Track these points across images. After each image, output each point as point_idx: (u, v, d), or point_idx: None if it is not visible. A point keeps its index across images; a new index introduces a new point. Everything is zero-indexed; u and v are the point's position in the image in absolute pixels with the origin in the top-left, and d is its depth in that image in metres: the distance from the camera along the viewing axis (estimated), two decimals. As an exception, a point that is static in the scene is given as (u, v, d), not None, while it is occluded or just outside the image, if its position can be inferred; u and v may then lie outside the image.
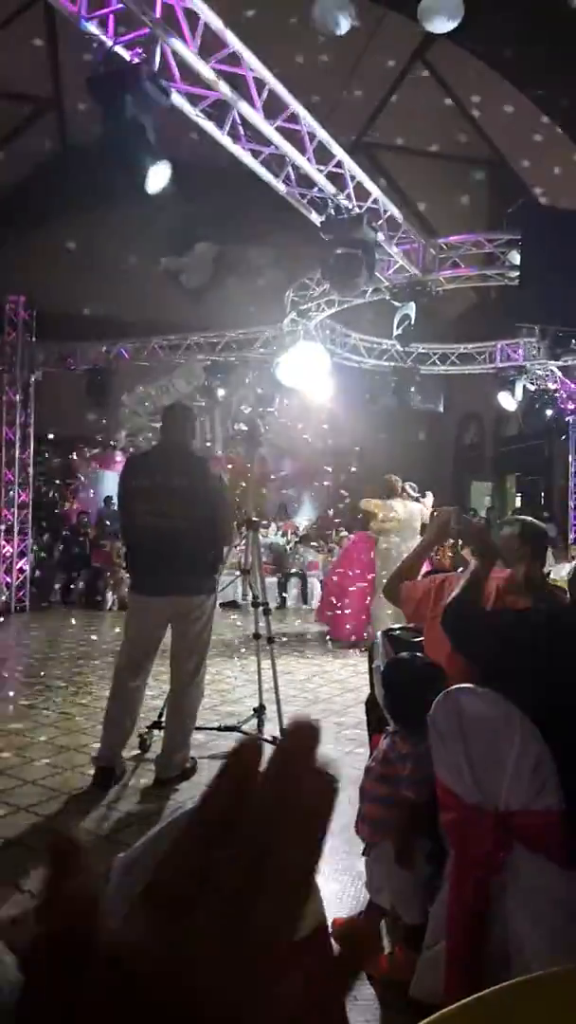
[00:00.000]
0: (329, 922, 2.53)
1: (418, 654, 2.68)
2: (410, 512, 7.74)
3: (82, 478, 13.42)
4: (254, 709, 4.70)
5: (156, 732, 4.16)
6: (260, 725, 4.61)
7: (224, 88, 4.06)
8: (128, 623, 3.97)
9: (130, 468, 3.99)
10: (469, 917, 1.96)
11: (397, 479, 8.01)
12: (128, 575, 4.16)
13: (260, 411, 4.86)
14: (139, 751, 4.17)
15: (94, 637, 8.21)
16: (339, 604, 8.57)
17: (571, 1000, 0.83)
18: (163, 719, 4.05)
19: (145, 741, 4.19)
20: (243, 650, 7.01)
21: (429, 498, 7.97)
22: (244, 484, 10.46)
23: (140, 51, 3.65)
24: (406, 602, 3.02)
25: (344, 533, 12.00)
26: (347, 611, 8.40)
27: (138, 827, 3.26)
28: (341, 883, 2.84)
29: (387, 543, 7.73)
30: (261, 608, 4.53)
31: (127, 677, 3.79)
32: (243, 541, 4.90)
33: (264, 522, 13.27)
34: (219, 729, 4.56)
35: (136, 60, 3.61)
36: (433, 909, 2.15)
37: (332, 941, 1.05)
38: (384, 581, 7.68)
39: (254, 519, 4.74)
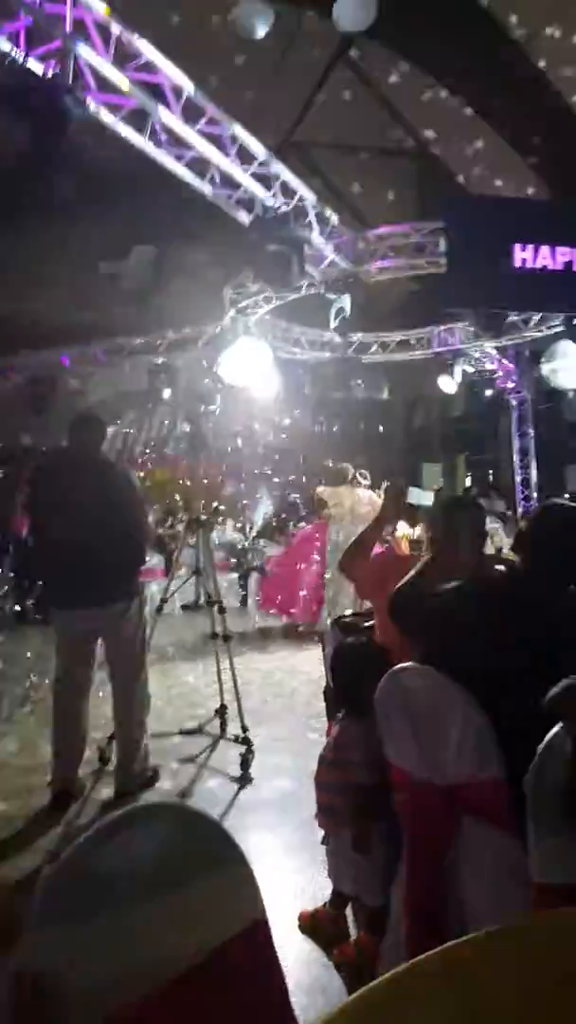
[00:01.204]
0: (296, 915, 2.61)
1: (363, 638, 2.73)
2: (359, 500, 7.84)
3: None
4: (216, 710, 4.69)
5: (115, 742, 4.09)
6: (223, 725, 4.60)
7: (142, 96, 4.07)
8: (57, 639, 3.83)
9: (36, 482, 3.88)
10: (426, 892, 2.01)
11: (347, 467, 8.11)
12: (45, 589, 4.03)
13: (203, 410, 4.83)
14: (99, 764, 4.10)
15: (47, 654, 8.08)
16: (283, 594, 8.64)
17: (493, 960, 0.89)
18: None
19: (104, 753, 4.12)
20: (203, 651, 7.02)
21: (386, 485, 8.05)
22: (191, 483, 10.47)
23: (54, 63, 3.63)
24: (359, 578, 3.07)
25: (303, 525, 12.07)
26: (301, 593, 8.46)
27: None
28: (306, 875, 2.87)
29: (336, 531, 7.85)
30: (216, 607, 4.50)
31: (65, 697, 3.71)
32: (194, 541, 4.86)
33: (219, 520, 13.30)
34: (180, 733, 4.55)
35: (51, 72, 3.60)
36: (394, 890, 2.17)
37: (271, 936, 1.08)
38: (334, 568, 7.83)
39: (203, 518, 4.72)
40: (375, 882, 2.36)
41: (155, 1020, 0.91)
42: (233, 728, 4.39)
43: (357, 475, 8.08)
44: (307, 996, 2.23)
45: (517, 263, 5.67)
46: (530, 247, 5.68)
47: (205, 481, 13.65)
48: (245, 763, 4.00)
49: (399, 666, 2.08)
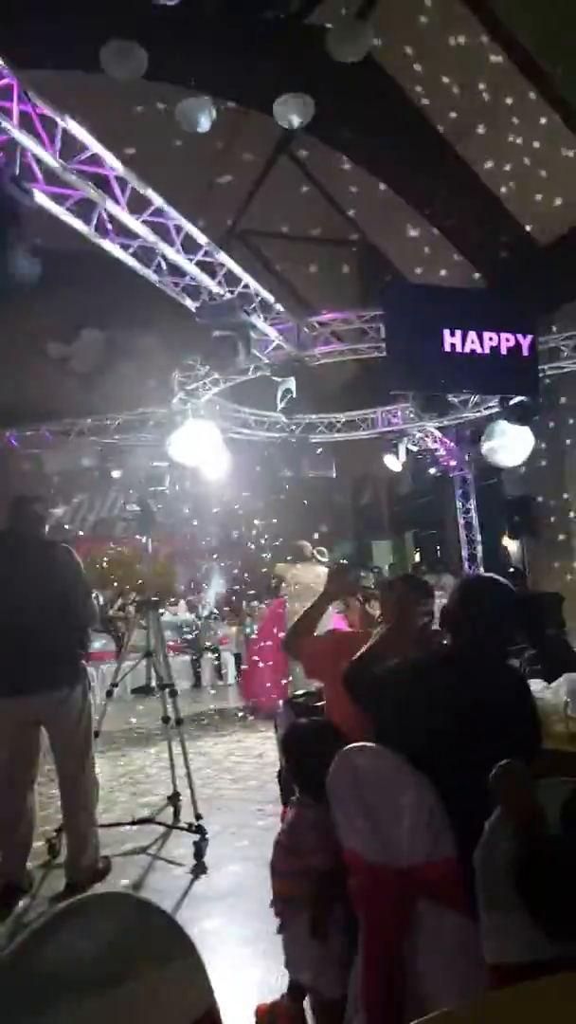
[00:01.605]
0: (252, 1009, 2.50)
1: (315, 718, 2.71)
2: (316, 576, 7.91)
3: None
4: (168, 797, 4.56)
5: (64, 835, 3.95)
6: (176, 813, 4.47)
7: (88, 188, 4.22)
8: None
9: None
10: (382, 979, 1.95)
11: (305, 544, 8.22)
12: None
13: (152, 490, 4.83)
14: (49, 856, 3.95)
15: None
16: (261, 678, 8.59)
17: None
18: None
19: (54, 846, 3.97)
20: (155, 735, 6.84)
21: (332, 564, 8.18)
22: (139, 566, 10.40)
23: (1, 155, 3.77)
24: (307, 658, 3.06)
25: (256, 604, 12.02)
26: (268, 684, 8.41)
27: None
28: (262, 967, 2.78)
29: (294, 607, 7.86)
30: (167, 690, 4.41)
31: (6, 790, 3.55)
32: (145, 622, 4.81)
33: (172, 600, 13.14)
34: (132, 823, 4.39)
35: (-2, 164, 3.73)
36: (352, 979, 2.12)
37: None
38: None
39: (154, 599, 4.67)
40: (333, 971, 2.26)
41: None
42: (186, 816, 4.28)
43: (315, 552, 8.19)
44: None
45: (447, 347, 5.96)
46: (459, 332, 5.99)
47: (169, 565, 13.64)
48: (199, 852, 3.89)
49: (350, 746, 2.07)
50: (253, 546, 13.93)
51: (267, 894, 2.55)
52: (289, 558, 8.67)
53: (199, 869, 3.79)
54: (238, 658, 11.83)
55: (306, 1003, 2.48)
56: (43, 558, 3.65)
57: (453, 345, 5.96)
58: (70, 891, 3.53)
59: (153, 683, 9.38)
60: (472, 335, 6.02)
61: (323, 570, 7.99)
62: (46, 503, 4.08)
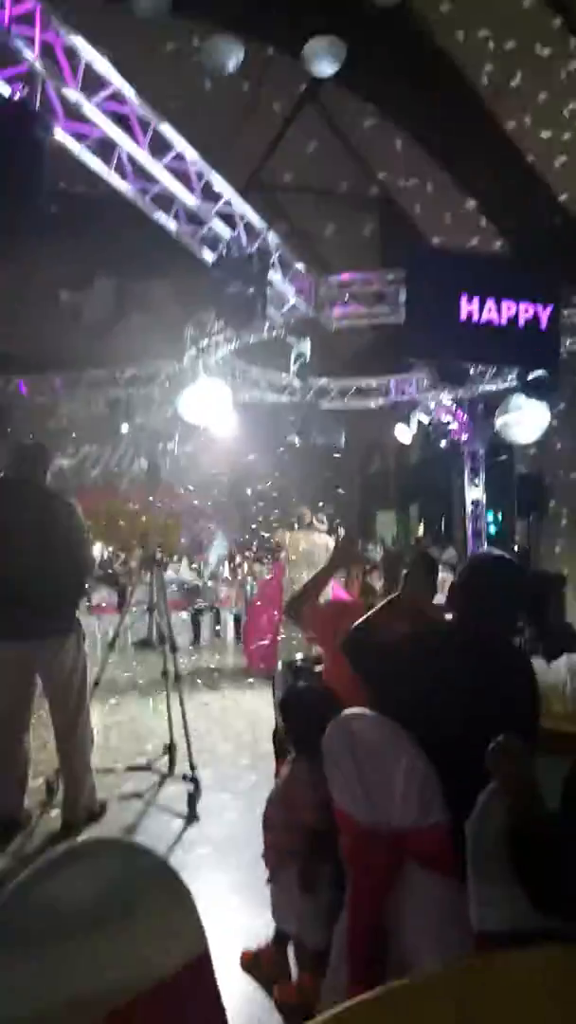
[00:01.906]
0: (237, 954, 2.55)
1: (313, 682, 2.75)
2: (314, 544, 7.93)
3: None
4: (164, 747, 4.62)
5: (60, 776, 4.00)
6: (171, 763, 4.53)
7: (109, 127, 4.10)
8: None
9: None
10: (367, 936, 1.99)
11: (306, 511, 8.20)
12: None
13: (161, 447, 4.83)
14: (47, 795, 4.01)
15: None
16: (258, 637, 8.65)
17: (434, 1002, 0.87)
18: None
19: (52, 785, 4.02)
20: (154, 688, 6.90)
21: (341, 532, 8.19)
22: (145, 520, 10.41)
23: (22, 86, 3.65)
24: (308, 624, 3.08)
25: (258, 566, 12.07)
26: (263, 642, 8.46)
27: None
28: (249, 914, 2.82)
29: (291, 574, 7.88)
30: (169, 645, 4.45)
31: (2, 731, 3.60)
32: (149, 578, 4.83)
33: (175, 558, 13.18)
34: (128, 769, 4.47)
35: (18, 96, 3.61)
36: (336, 932, 2.16)
37: (214, 972, 1.07)
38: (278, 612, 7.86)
39: (158, 556, 4.66)
40: (319, 923, 2.34)
41: None
42: (181, 766, 4.33)
43: (314, 520, 8.17)
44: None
45: (463, 315, 5.84)
46: (476, 300, 5.86)
47: (174, 522, 13.65)
48: (192, 801, 3.95)
49: (348, 711, 2.09)
50: (255, 509, 13.93)
51: (256, 845, 2.63)
52: (295, 525, 8.62)
53: (191, 817, 3.86)
54: (237, 618, 11.91)
55: (289, 951, 2.55)
56: (43, 507, 3.65)
57: (470, 313, 5.84)
58: (66, 830, 3.62)
59: (154, 637, 9.49)
60: (490, 303, 5.90)
61: (323, 538, 8.01)
62: (49, 452, 4.04)
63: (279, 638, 8.05)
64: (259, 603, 9.06)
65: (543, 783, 1.57)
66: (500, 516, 11.52)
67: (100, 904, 0.98)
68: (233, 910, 2.89)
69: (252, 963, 2.55)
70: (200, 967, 1.05)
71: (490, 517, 11.21)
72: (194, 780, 4.04)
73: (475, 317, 5.87)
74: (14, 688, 3.61)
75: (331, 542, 7.93)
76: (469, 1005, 0.87)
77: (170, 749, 4.58)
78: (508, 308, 5.98)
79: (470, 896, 1.57)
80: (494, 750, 1.59)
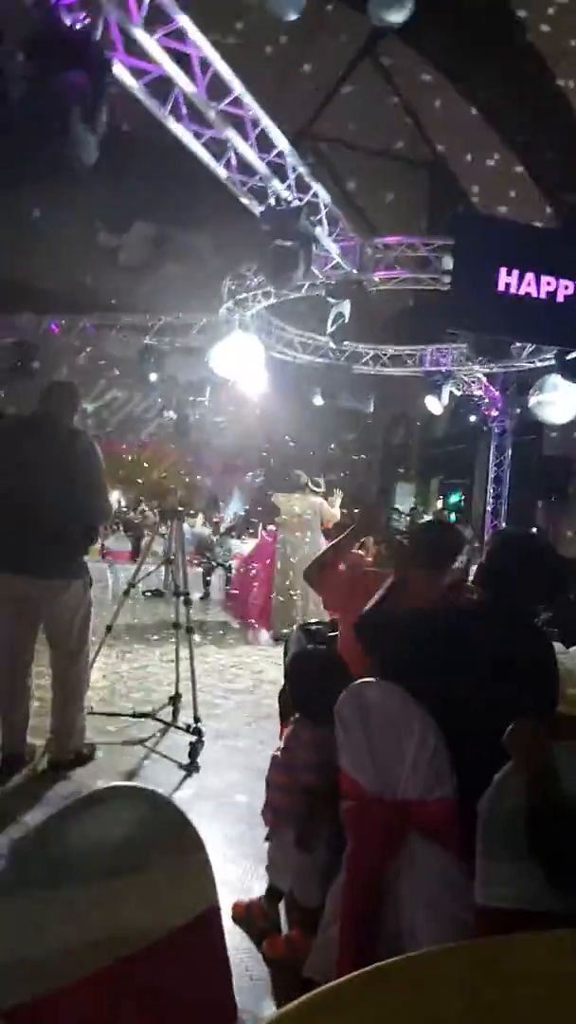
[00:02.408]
0: (228, 905, 2.60)
1: (323, 647, 2.75)
2: (309, 507, 7.91)
3: None
4: (170, 697, 4.65)
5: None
6: (175, 713, 4.56)
7: (168, 64, 3.99)
8: None
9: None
10: (363, 901, 2.01)
11: (300, 474, 8.18)
12: None
13: (190, 400, 4.78)
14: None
15: None
16: (241, 593, 8.75)
17: (437, 979, 0.87)
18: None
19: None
20: (163, 638, 6.97)
21: (337, 496, 8.14)
22: (165, 474, 10.44)
23: (83, 16, 3.54)
24: (326, 590, 3.07)
25: (270, 527, 12.10)
26: (252, 600, 8.57)
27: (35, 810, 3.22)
28: (243, 867, 2.87)
29: (283, 536, 8.00)
30: (182, 598, 4.46)
31: (5, 665, 3.59)
32: (167, 530, 4.84)
33: (191, 511, 13.23)
34: (132, 716, 4.51)
35: (79, 25, 3.51)
36: (330, 892, 2.18)
37: (222, 924, 1.08)
38: (280, 574, 7.92)
39: (179, 509, 4.65)
40: (313, 881, 2.38)
41: (107, 993, 0.92)
42: (185, 717, 4.36)
43: (310, 483, 8.15)
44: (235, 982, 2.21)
45: (500, 287, 5.67)
46: (515, 273, 5.68)
47: (193, 477, 13.67)
48: (194, 752, 3.98)
49: (363, 680, 2.08)
50: (274, 470, 13.91)
51: (254, 800, 2.68)
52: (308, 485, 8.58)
53: (192, 768, 3.89)
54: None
55: (280, 909, 2.58)
56: (67, 447, 3.59)
57: (508, 285, 5.68)
58: (52, 771, 3.62)
59: (166, 589, 9.56)
60: (529, 277, 5.72)
61: (316, 501, 7.98)
62: (78, 391, 3.98)
63: (271, 597, 8.13)
64: (253, 561, 9.14)
65: (559, 768, 1.56)
66: (521, 496, 11.42)
67: (118, 850, 0.99)
68: (228, 862, 2.92)
69: (243, 915, 2.58)
70: (210, 918, 1.07)
71: (510, 496, 11.11)
72: (197, 732, 4.08)
73: (513, 289, 5.71)
74: (18, 621, 3.59)
75: (326, 505, 7.92)
76: (478, 986, 0.86)
77: (175, 699, 4.61)
78: (548, 283, 5.81)
79: (477, 871, 1.58)
80: (512, 730, 1.59)
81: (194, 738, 4.04)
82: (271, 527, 11.53)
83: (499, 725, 1.64)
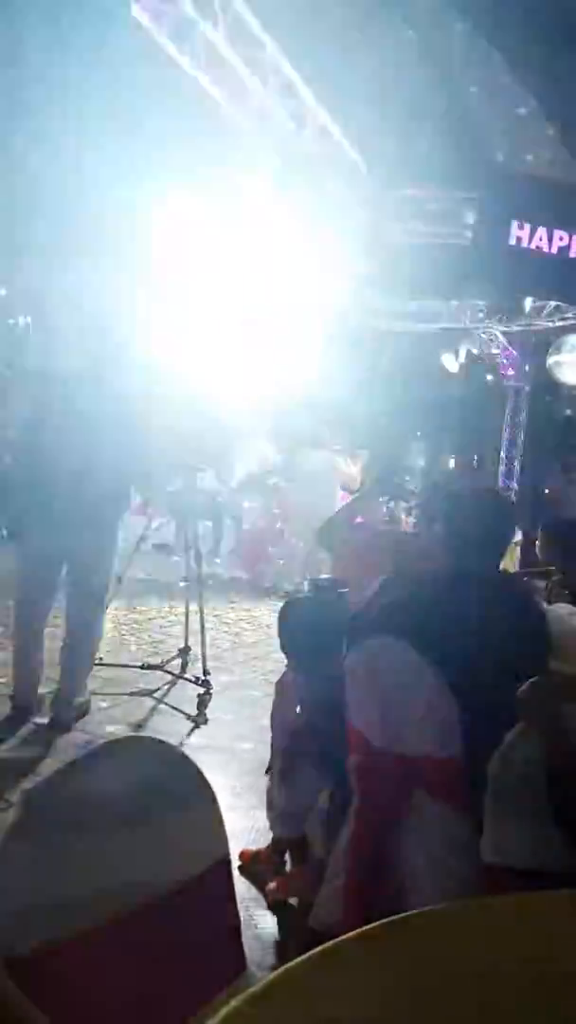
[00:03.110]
0: (235, 855, 2.68)
1: (308, 595, 2.80)
2: (321, 464, 7.76)
3: None
4: (179, 649, 4.70)
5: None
6: (184, 665, 4.61)
7: (188, 6, 3.86)
8: (21, 551, 3.71)
9: (46, 385, 3.74)
10: (368, 854, 2.05)
11: (323, 428, 8.08)
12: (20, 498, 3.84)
13: None
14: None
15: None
16: (252, 548, 8.74)
17: (449, 934, 0.89)
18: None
19: None
20: (172, 592, 7.02)
21: (362, 454, 7.96)
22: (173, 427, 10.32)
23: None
24: (338, 551, 3.07)
25: (276, 481, 12.05)
26: (258, 559, 8.59)
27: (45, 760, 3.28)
28: (251, 818, 2.93)
29: (292, 497, 8.01)
30: (193, 552, 4.46)
31: (27, 617, 3.64)
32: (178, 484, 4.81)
33: (202, 467, 13.16)
34: (142, 667, 4.55)
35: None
36: (335, 845, 2.22)
37: (232, 877, 1.10)
38: (286, 528, 7.85)
39: (192, 464, 4.65)
40: (291, 815, 2.50)
41: (117, 943, 0.93)
42: (194, 670, 4.40)
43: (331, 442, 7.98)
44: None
45: (512, 240, 5.54)
46: (528, 226, 5.54)
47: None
48: (202, 704, 4.04)
49: (375, 639, 2.08)
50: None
51: (261, 751, 2.77)
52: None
53: (200, 719, 3.95)
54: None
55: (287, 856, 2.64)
56: (115, 399, 3.60)
57: (519, 239, 5.55)
58: (54, 726, 3.62)
59: (174, 542, 9.58)
60: (541, 231, 5.59)
61: (329, 459, 7.80)
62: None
63: (271, 555, 8.10)
64: (262, 519, 9.15)
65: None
66: (535, 457, 11.35)
67: (131, 801, 1.00)
68: (234, 812, 2.93)
69: (250, 861, 2.65)
70: (221, 870, 1.09)
71: (524, 457, 11.03)
72: (205, 684, 4.12)
73: (524, 243, 5.57)
74: (46, 575, 3.63)
75: (340, 463, 7.75)
76: (495, 943, 0.87)
77: (184, 652, 4.65)
78: (560, 238, 5.67)
79: (484, 830, 1.61)
80: (525, 690, 1.60)
81: (202, 690, 4.09)
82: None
83: (497, 686, 1.68)
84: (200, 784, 1.11)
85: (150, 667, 4.54)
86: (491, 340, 10.04)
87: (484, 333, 9.81)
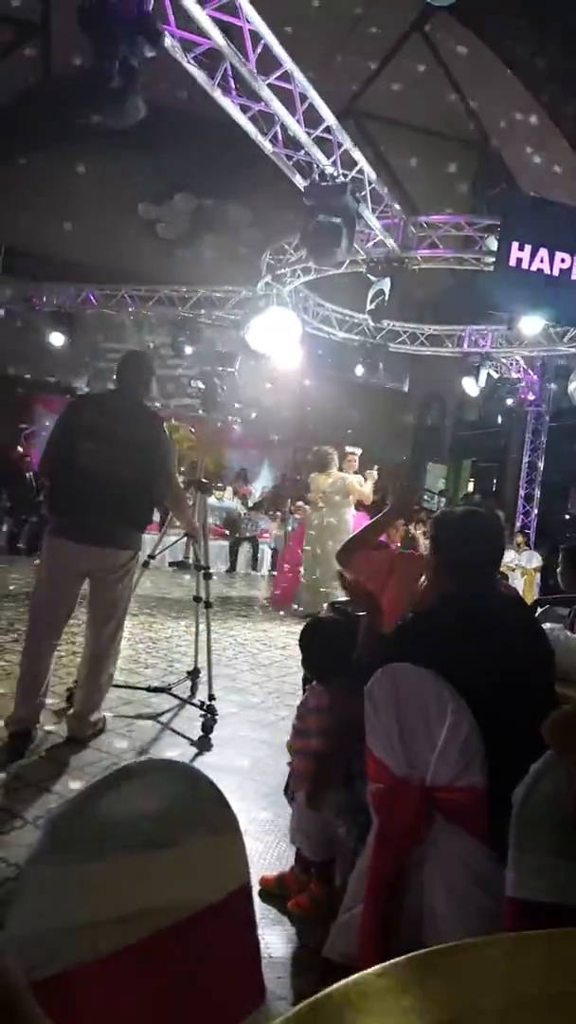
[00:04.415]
0: (255, 880, 2.65)
1: (332, 615, 2.78)
2: (331, 484, 7.73)
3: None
4: (188, 672, 4.63)
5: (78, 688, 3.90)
6: (193, 688, 4.52)
7: (219, 37, 3.94)
8: (43, 572, 3.62)
9: (79, 406, 3.75)
10: (386, 884, 2.01)
11: (330, 451, 7.88)
12: (50, 516, 3.75)
13: (220, 370, 4.65)
14: (66, 705, 4.00)
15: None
16: (283, 578, 8.75)
17: (476, 970, 0.87)
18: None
19: (73, 695, 3.97)
20: (185, 610, 7.01)
21: (373, 473, 7.84)
22: (190, 445, 10.42)
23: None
24: (359, 572, 3.05)
25: (299, 503, 12.08)
26: (285, 585, 8.58)
27: (60, 780, 3.27)
28: (265, 843, 2.90)
29: (313, 515, 7.89)
30: (203, 572, 4.36)
31: (44, 636, 3.58)
32: (191, 502, 4.72)
33: (219, 484, 13.26)
34: (147, 690, 4.47)
35: (131, -4, 3.47)
36: (353, 874, 2.20)
37: (253, 903, 1.08)
38: (309, 551, 7.85)
39: (204, 481, 4.55)
40: (320, 839, 2.48)
41: (136, 969, 0.92)
42: (201, 694, 4.32)
43: (348, 458, 7.90)
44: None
45: (512, 262, 5.56)
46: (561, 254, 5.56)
47: (222, 450, 13.65)
48: (206, 729, 3.95)
49: (397, 663, 2.07)
50: (306, 446, 13.84)
51: (277, 775, 2.72)
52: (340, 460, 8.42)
53: (204, 744, 3.85)
54: (274, 552, 12.05)
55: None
56: (147, 424, 3.65)
57: (519, 260, 5.58)
58: (72, 743, 3.59)
59: (190, 561, 9.59)
60: (543, 252, 5.62)
61: (351, 478, 7.74)
62: (152, 362, 4.00)
63: (300, 579, 8.11)
64: (291, 543, 9.16)
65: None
66: (554, 481, 11.29)
67: (154, 825, 0.99)
68: (252, 837, 2.92)
69: (275, 884, 2.61)
70: (242, 897, 1.08)
71: (544, 482, 10.97)
72: (211, 708, 4.02)
73: (524, 264, 5.60)
74: (69, 589, 3.60)
75: (354, 483, 7.65)
76: (521, 980, 0.85)
77: (194, 674, 4.57)
78: (562, 260, 5.70)
79: (509, 862, 1.58)
80: (552, 720, 1.57)
81: (207, 716, 3.99)
82: (300, 503, 11.55)
83: (507, 706, 1.68)
84: (224, 808, 1.09)
85: (156, 690, 4.46)
86: (511, 364, 10.04)
87: (504, 357, 9.82)
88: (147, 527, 3.85)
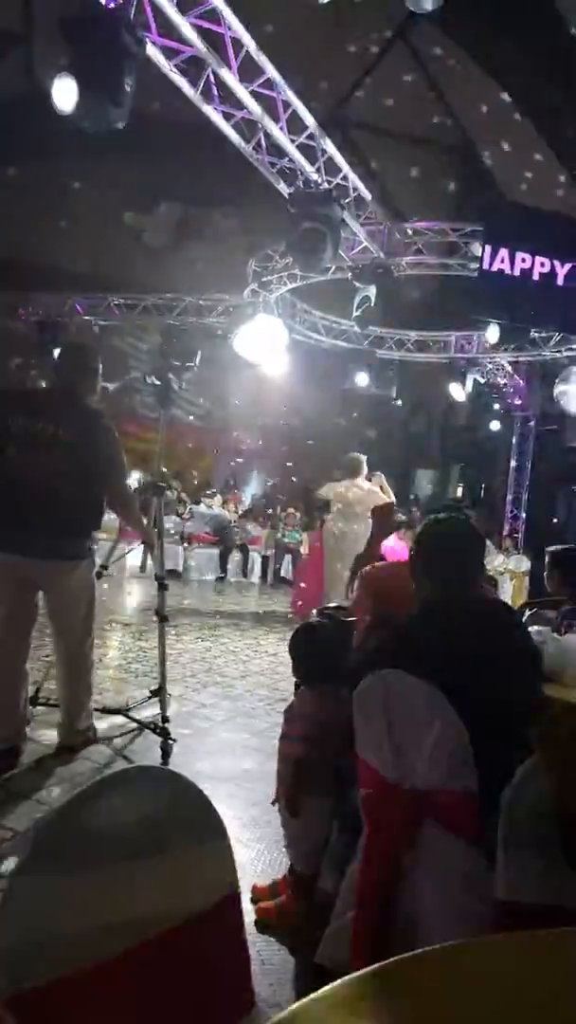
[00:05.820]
0: (248, 888, 2.63)
1: (322, 620, 2.80)
2: (358, 496, 7.42)
3: None
4: (151, 691, 4.18)
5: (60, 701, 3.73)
6: (163, 705, 3.92)
7: (201, 45, 3.96)
8: None
9: (4, 404, 3.39)
10: (378, 889, 2.01)
11: (360, 457, 7.35)
12: None
13: (177, 365, 4.11)
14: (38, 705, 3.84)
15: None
16: (301, 596, 8.60)
17: (467, 972, 0.87)
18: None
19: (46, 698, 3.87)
20: (178, 624, 6.97)
21: (381, 477, 7.52)
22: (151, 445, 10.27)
23: (118, -6, 3.52)
24: (363, 584, 3.07)
25: (292, 511, 12.10)
26: (301, 603, 8.48)
27: (47, 789, 3.25)
28: (256, 851, 2.89)
29: (336, 527, 7.37)
30: (159, 583, 3.93)
31: (2, 650, 3.39)
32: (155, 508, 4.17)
33: (211, 491, 13.24)
34: (101, 711, 3.99)
35: (112, 5, 3.49)
36: (345, 880, 2.20)
37: (241, 910, 1.07)
38: (329, 564, 7.72)
39: (159, 484, 4.15)
40: (305, 848, 2.47)
41: (124, 978, 0.91)
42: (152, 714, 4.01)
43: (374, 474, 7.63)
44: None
45: (537, 277, 5.63)
46: (564, 265, 5.64)
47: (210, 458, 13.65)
48: (164, 754, 3.73)
49: (387, 670, 2.07)
50: (295, 452, 13.85)
51: (267, 783, 2.69)
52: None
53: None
54: (265, 560, 12.05)
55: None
56: (85, 424, 3.37)
57: (544, 275, 5.63)
58: (63, 753, 3.51)
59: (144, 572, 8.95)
60: (524, 257, 5.67)
61: (364, 487, 7.47)
62: (95, 356, 3.64)
63: (320, 593, 7.95)
64: (307, 561, 8.99)
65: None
66: (542, 486, 11.35)
67: (141, 832, 0.99)
68: (242, 844, 2.91)
69: (268, 893, 2.59)
70: (230, 905, 1.07)
71: (531, 486, 11.03)
72: (164, 732, 3.77)
73: (559, 282, 5.66)
74: (18, 606, 3.41)
75: (380, 493, 7.38)
76: (517, 980, 0.85)
77: (159, 693, 3.99)
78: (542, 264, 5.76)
79: (498, 866, 1.58)
80: (540, 725, 1.58)
81: (161, 739, 3.75)
82: (291, 511, 11.54)
83: (495, 717, 1.70)
84: (210, 815, 1.09)
85: (110, 711, 4.04)
86: (498, 370, 10.10)
87: (491, 362, 9.87)
88: (93, 532, 3.55)
